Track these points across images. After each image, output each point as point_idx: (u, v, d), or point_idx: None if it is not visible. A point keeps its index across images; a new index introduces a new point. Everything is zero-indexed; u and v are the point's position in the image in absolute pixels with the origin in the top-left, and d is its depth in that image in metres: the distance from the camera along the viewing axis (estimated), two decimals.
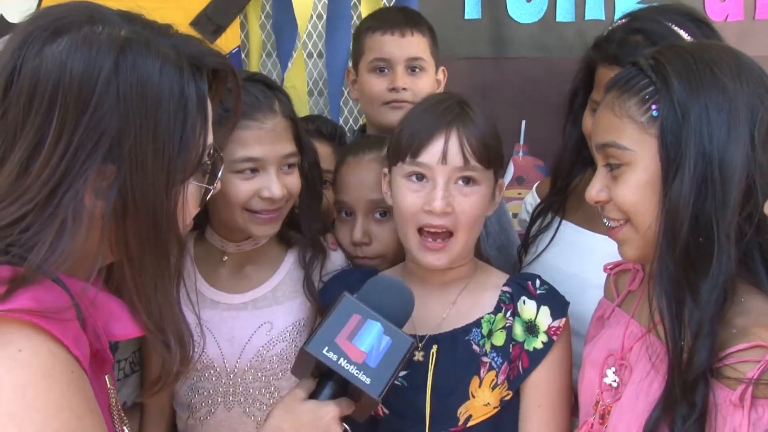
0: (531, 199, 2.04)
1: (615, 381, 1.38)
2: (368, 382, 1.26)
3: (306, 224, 1.76)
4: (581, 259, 1.78)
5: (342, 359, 1.27)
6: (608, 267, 1.55)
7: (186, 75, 1.04)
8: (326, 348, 1.28)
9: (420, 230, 1.53)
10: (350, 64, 2.36)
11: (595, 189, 1.32)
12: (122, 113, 0.99)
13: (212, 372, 1.71)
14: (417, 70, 2.16)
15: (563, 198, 1.86)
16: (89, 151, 0.98)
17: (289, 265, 1.76)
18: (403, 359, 1.31)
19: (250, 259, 1.75)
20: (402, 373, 1.54)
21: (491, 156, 1.53)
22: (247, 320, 1.72)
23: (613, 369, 1.38)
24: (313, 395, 1.30)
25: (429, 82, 2.17)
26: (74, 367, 0.97)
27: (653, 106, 1.24)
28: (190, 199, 1.10)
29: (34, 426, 0.91)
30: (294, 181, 1.68)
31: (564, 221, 1.87)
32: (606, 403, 1.38)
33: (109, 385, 1.11)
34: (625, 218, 1.30)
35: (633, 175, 1.26)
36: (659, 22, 1.67)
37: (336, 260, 1.80)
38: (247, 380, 1.71)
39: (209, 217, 1.73)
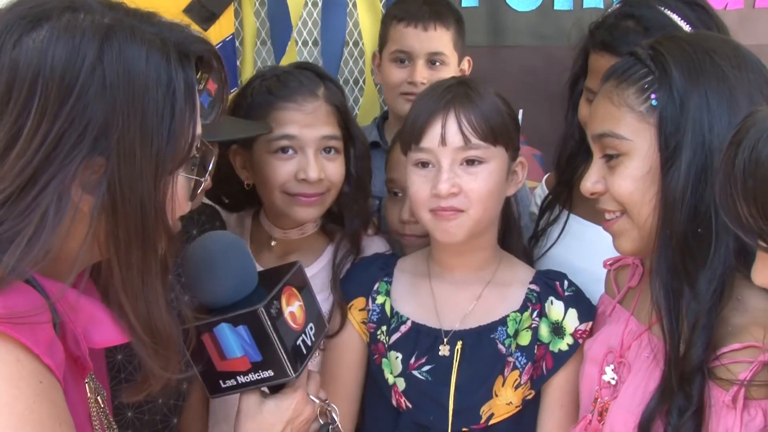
0: (540, 191, 2.01)
1: (613, 378, 1.36)
2: (273, 374, 1.21)
3: (349, 219, 1.74)
4: (588, 253, 1.74)
5: (239, 377, 1.21)
6: (608, 263, 1.53)
7: (173, 62, 1.00)
8: (219, 381, 1.22)
9: (433, 212, 1.52)
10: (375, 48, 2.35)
11: (591, 180, 1.30)
12: (108, 102, 0.94)
13: None
14: (437, 63, 2.17)
15: (570, 189, 1.84)
16: (74, 142, 0.94)
17: (328, 256, 1.76)
18: (270, 326, 1.18)
19: (295, 248, 1.76)
20: (426, 368, 1.55)
21: (496, 133, 1.50)
22: None
23: (612, 366, 1.37)
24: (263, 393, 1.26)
25: (450, 74, 2.14)
26: (44, 376, 0.92)
27: (652, 96, 1.22)
28: (180, 191, 1.06)
29: None
30: (335, 168, 1.67)
31: (572, 214, 1.84)
32: (604, 400, 1.37)
33: (88, 394, 1.06)
34: (621, 209, 1.28)
35: (630, 165, 1.24)
36: (652, 7, 1.65)
37: (370, 248, 1.78)
38: None
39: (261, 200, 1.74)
